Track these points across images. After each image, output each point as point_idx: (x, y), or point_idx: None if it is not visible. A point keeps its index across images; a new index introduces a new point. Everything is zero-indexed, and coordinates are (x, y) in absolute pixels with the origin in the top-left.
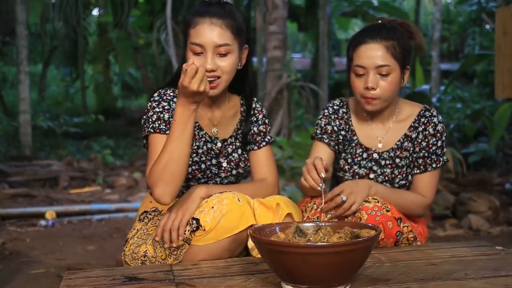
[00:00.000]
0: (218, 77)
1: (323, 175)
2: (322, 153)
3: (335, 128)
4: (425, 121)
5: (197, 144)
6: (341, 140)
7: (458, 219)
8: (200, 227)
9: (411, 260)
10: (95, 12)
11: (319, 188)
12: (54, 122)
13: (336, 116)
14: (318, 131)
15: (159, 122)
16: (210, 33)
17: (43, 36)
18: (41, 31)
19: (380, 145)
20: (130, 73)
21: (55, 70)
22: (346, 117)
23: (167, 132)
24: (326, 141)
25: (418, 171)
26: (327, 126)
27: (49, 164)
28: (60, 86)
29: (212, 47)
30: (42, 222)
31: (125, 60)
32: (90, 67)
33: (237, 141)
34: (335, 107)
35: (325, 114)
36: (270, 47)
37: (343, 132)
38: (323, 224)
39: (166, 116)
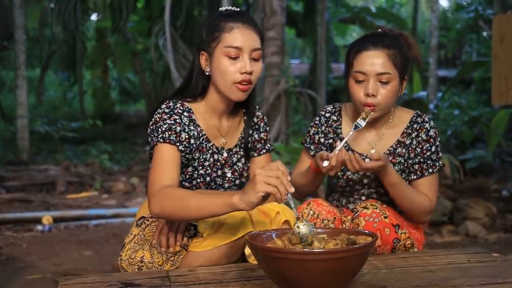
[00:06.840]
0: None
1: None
2: (307, 163)
3: (323, 138)
4: (418, 127)
5: (204, 156)
6: (327, 149)
7: (455, 225)
8: (198, 234)
9: (407, 267)
10: (94, 17)
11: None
12: (52, 127)
13: (326, 124)
14: (308, 139)
15: (169, 132)
16: (249, 36)
17: (41, 40)
18: (39, 36)
19: (372, 151)
20: (128, 78)
21: (53, 75)
22: (335, 125)
23: (176, 143)
24: (312, 153)
25: (415, 176)
26: (315, 136)
27: (46, 169)
28: (58, 91)
29: (249, 50)
30: (39, 227)
31: (123, 65)
32: (88, 72)
33: (241, 150)
34: (327, 114)
35: (316, 122)
36: (268, 53)
37: (331, 141)
38: (320, 230)
39: (178, 128)
